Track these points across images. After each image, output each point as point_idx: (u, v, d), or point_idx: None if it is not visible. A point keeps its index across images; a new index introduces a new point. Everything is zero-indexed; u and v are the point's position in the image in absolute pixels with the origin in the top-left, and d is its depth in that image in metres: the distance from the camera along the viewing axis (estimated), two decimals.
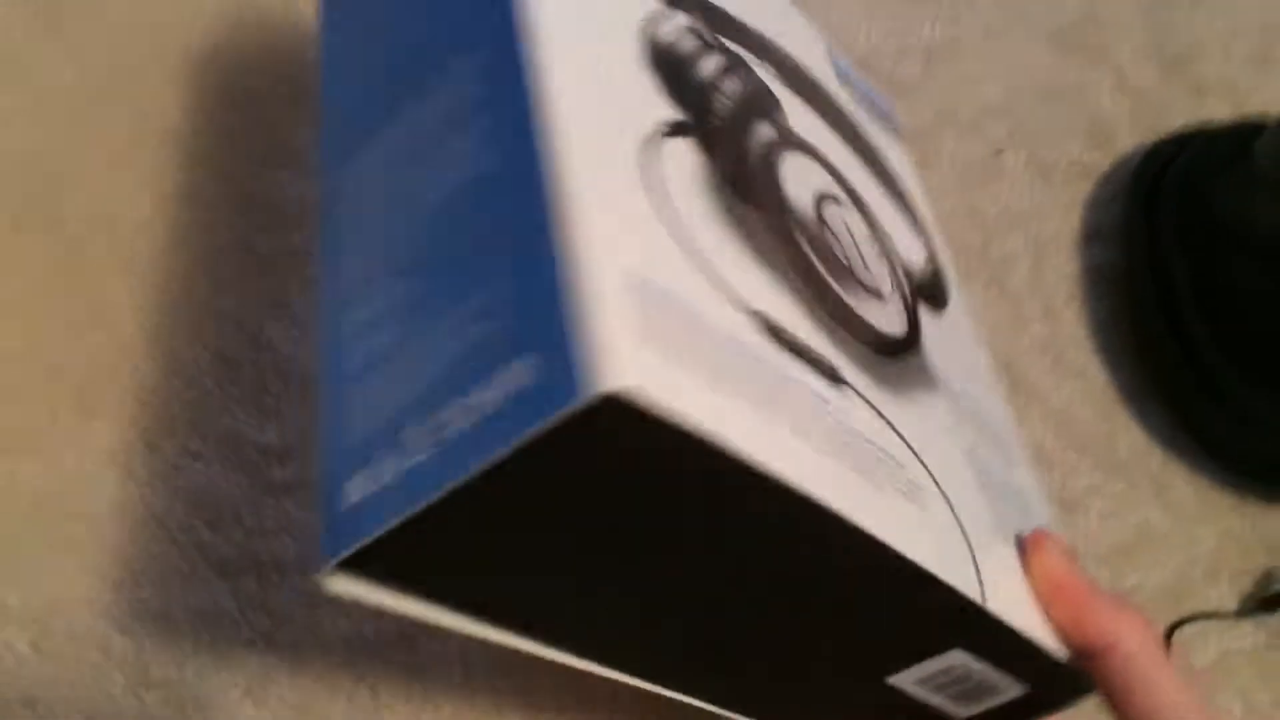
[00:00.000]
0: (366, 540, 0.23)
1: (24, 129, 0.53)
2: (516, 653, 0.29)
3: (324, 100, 0.31)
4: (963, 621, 0.30)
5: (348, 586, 0.24)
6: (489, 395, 0.22)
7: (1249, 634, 0.49)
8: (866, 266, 0.34)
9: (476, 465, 0.22)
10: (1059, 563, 0.34)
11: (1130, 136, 0.60)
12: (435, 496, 0.22)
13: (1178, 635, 0.48)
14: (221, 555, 0.44)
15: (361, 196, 0.28)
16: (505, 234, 0.24)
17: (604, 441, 0.22)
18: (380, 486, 0.23)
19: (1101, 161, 0.60)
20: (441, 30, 0.29)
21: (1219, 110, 0.62)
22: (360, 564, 0.24)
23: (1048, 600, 0.33)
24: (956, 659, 0.32)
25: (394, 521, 0.23)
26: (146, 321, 0.48)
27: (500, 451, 0.21)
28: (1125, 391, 0.53)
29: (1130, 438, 0.52)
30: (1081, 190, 0.59)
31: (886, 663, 0.33)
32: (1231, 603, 0.49)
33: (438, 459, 0.23)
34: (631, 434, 0.22)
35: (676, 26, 0.31)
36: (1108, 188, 0.59)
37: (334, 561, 0.24)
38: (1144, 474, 0.52)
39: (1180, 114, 0.61)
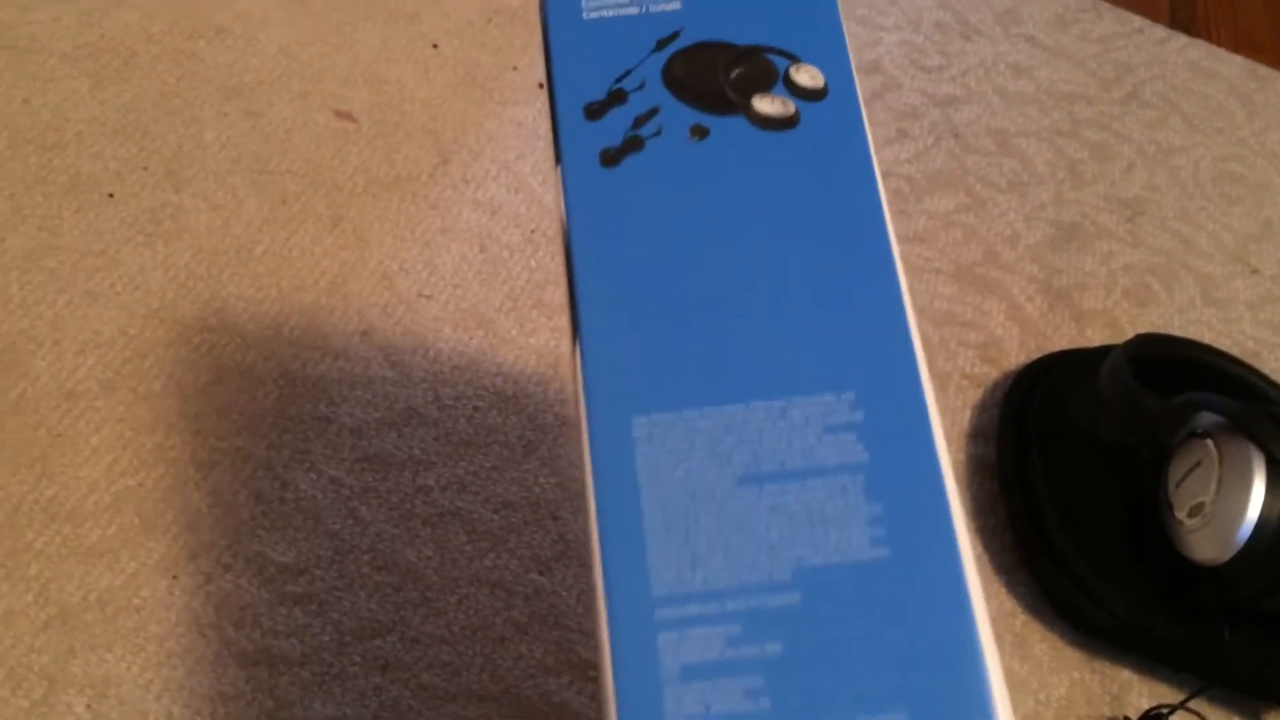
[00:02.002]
0: None
1: (117, 313, 0.67)
2: None
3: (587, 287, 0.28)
4: None
5: None
6: None
7: None
8: None
9: None
10: None
11: (1018, 355, 0.73)
12: None
13: None
14: (241, 649, 0.55)
15: (668, 471, 0.26)
16: (921, 649, 0.24)
17: None
18: None
19: (992, 373, 0.72)
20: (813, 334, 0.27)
21: (1097, 337, 0.74)
22: None
23: None
24: None
25: None
26: (198, 462, 0.61)
27: None
28: (996, 563, 0.64)
29: (999, 601, 0.63)
30: (973, 396, 0.71)
31: None
32: None
33: None
34: None
35: None
36: (994, 394, 0.71)
37: None
38: (1008, 631, 0.62)
39: (1063, 339, 0.74)
